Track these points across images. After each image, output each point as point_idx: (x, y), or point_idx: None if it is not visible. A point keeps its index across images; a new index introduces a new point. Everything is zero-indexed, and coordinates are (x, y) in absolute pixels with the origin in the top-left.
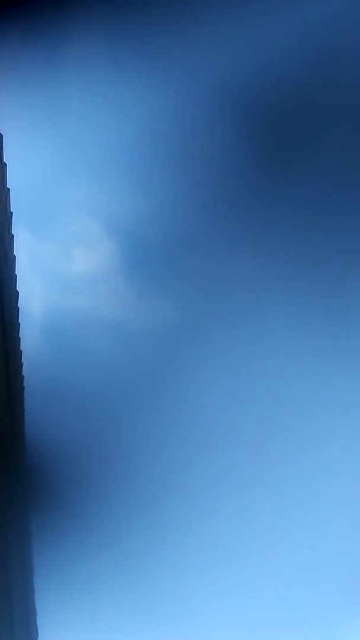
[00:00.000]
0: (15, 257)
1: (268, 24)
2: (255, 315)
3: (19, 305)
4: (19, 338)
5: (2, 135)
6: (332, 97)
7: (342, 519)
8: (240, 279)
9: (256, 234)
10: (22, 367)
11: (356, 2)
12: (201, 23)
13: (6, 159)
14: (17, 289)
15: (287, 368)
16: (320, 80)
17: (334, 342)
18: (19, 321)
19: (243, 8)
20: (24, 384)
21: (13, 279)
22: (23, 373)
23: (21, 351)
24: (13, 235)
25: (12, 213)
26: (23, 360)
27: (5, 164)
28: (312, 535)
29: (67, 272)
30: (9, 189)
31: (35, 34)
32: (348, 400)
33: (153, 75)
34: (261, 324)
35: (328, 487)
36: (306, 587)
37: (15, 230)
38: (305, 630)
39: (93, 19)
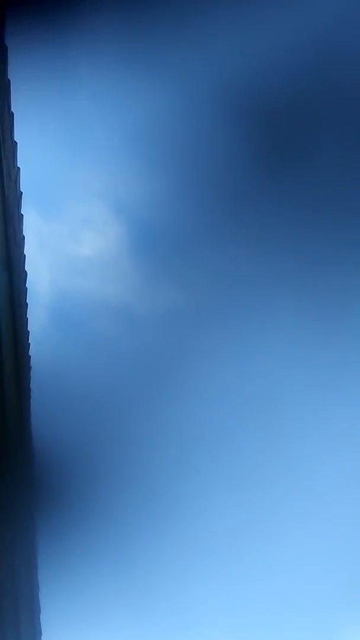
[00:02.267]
0: (24, 236)
1: (271, 24)
2: (258, 304)
3: (26, 285)
4: (27, 318)
5: (13, 114)
6: (333, 95)
7: (342, 511)
8: (244, 269)
9: (259, 227)
10: (29, 347)
11: (356, 3)
12: (206, 20)
13: (17, 139)
14: (25, 269)
15: (288, 358)
16: (322, 77)
17: (335, 334)
18: (27, 301)
19: (246, 8)
20: (31, 363)
21: (22, 258)
22: (30, 353)
23: (29, 331)
24: (22, 215)
25: (21, 193)
26: (30, 340)
27: (16, 143)
28: (312, 527)
29: (75, 254)
30: (19, 168)
31: (47, 19)
32: (348, 392)
33: (160, 67)
34: (263, 312)
35: (328, 479)
36: (305, 584)
37: (23, 210)
38: (305, 628)
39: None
